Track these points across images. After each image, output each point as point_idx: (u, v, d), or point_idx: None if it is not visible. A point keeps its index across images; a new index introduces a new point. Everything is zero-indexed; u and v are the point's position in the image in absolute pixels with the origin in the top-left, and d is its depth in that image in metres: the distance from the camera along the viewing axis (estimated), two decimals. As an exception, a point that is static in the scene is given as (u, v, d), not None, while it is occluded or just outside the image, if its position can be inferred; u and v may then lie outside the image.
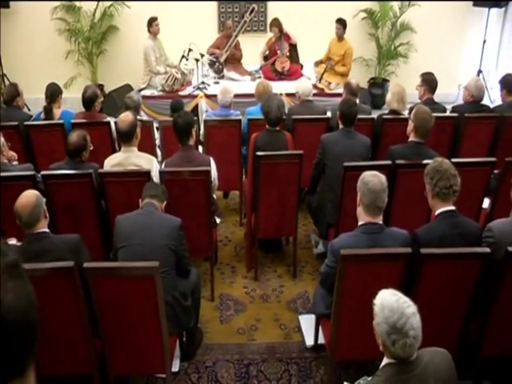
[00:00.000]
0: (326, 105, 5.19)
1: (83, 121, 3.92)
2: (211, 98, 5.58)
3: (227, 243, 4.01)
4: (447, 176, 2.39)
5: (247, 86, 5.61)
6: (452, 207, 2.43)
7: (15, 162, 3.33)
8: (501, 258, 2.25)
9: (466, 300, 2.35)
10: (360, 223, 2.41)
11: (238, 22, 6.28)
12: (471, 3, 6.44)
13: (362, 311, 1.96)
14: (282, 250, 3.92)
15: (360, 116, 3.53)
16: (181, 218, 2.59)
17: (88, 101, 4.01)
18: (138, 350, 2.38)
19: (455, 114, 4.03)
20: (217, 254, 3.72)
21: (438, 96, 4.26)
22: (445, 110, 4.20)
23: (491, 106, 4.54)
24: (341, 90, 4.76)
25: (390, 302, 1.57)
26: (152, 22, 5.87)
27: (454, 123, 3.97)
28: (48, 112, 4.01)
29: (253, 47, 6.29)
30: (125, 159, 3.17)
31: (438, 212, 2.44)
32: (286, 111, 4.21)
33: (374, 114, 4.17)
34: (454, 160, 2.64)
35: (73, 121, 3.91)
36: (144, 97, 5.44)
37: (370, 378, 1.68)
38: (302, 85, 4.33)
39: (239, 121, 4.03)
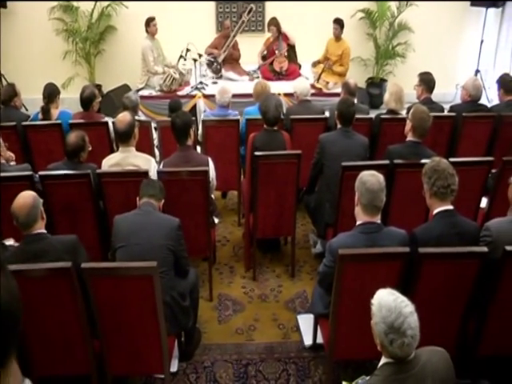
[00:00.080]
0: (324, 104, 5.20)
1: (81, 121, 3.92)
2: (209, 98, 5.58)
3: (225, 243, 4.01)
4: (445, 175, 2.39)
5: (245, 85, 5.61)
6: (450, 206, 2.43)
7: (13, 163, 3.33)
8: (498, 258, 2.26)
9: (463, 299, 2.35)
10: (358, 223, 2.41)
11: (236, 22, 6.29)
12: (469, 3, 6.46)
13: (360, 311, 1.96)
14: (281, 250, 3.92)
15: (358, 116, 3.53)
16: (179, 218, 2.59)
17: (86, 101, 4.00)
18: (136, 351, 2.38)
19: (453, 114, 4.04)
20: (215, 254, 3.72)
21: (436, 95, 4.27)
22: (442, 110, 4.21)
23: (489, 105, 4.54)
24: (339, 90, 4.75)
25: (387, 301, 1.57)
26: (150, 21, 5.87)
27: (452, 123, 3.98)
28: (46, 112, 4.01)
29: (251, 47, 6.29)
30: (123, 159, 3.17)
31: (435, 211, 2.44)
32: (284, 111, 4.22)
33: (372, 114, 4.18)
34: (451, 159, 2.65)
35: (70, 121, 3.91)
36: (142, 97, 5.43)
37: (368, 378, 1.68)
38: (300, 85, 4.33)
39: (237, 121, 4.03)
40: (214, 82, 5.98)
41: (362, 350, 2.25)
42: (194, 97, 5.74)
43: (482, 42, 6.50)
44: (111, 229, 2.60)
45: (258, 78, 6.03)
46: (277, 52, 6.13)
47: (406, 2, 6.43)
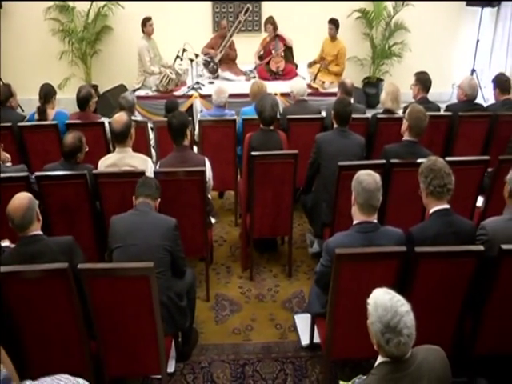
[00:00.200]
0: (321, 104, 5.21)
1: (77, 121, 3.91)
2: (206, 98, 5.58)
3: (222, 243, 4.01)
4: (441, 175, 2.40)
5: (242, 85, 5.61)
6: (446, 206, 2.43)
7: (9, 164, 3.31)
8: (494, 256, 2.27)
9: (460, 298, 2.36)
10: (355, 222, 2.41)
11: (232, 22, 6.29)
12: (464, 3, 6.48)
13: (357, 310, 1.96)
14: (278, 250, 3.92)
15: (354, 115, 3.54)
16: (176, 218, 2.59)
17: (82, 101, 3.99)
18: (133, 351, 2.37)
19: (449, 113, 4.05)
20: (212, 254, 3.72)
21: (432, 95, 4.28)
22: (439, 109, 4.22)
23: (485, 104, 4.56)
24: (335, 90, 4.76)
25: (383, 300, 1.57)
26: (146, 22, 5.86)
27: (448, 122, 3.99)
28: (42, 113, 3.99)
29: (247, 47, 6.29)
30: (119, 160, 3.16)
31: (432, 210, 2.45)
32: (281, 111, 4.22)
33: (369, 114, 4.18)
34: (447, 159, 2.65)
35: (67, 121, 3.90)
36: (138, 97, 5.42)
37: (365, 377, 1.68)
38: (297, 84, 4.34)
39: (234, 121, 4.03)
40: (211, 82, 5.98)
41: (359, 349, 2.25)
42: (190, 97, 5.74)
43: (477, 41, 6.52)
44: (108, 229, 2.59)
45: (254, 77, 6.03)
46: (273, 52, 6.14)
47: (402, 2, 6.44)
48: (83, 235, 2.97)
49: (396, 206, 3.14)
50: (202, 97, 5.70)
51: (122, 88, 6.25)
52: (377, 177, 2.38)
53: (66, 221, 3.05)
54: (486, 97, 6.17)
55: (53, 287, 2.19)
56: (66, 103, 5.37)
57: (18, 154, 3.77)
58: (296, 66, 6.31)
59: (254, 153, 3.26)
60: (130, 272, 2.21)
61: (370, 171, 2.41)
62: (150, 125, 4.18)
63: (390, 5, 6.54)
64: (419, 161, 2.76)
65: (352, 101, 3.98)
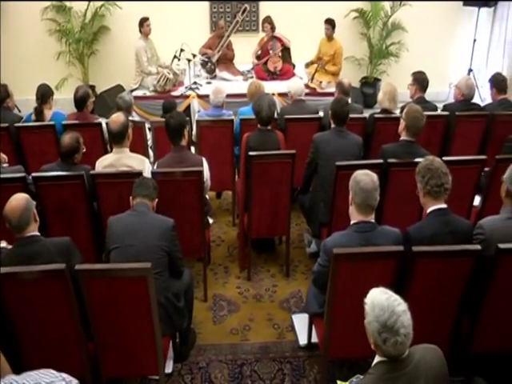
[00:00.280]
0: (318, 104, 5.21)
1: (74, 122, 3.90)
2: (203, 98, 5.58)
3: (220, 243, 4.01)
4: (438, 174, 2.40)
5: (239, 85, 5.61)
6: (443, 205, 2.44)
7: (5, 165, 3.30)
8: (491, 255, 2.27)
9: (457, 297, 2.37)
10: (352, 222, 2.42)
11: (230, 22, 6.28)
12: (461, 3, 6.49)
13: (354, 309, 1.96)
14: (275, 250, 3.92)
15: (352, 115, 3.54)
16: (173, 218, 2.58)
17: (80, 100, 3.98)
18: (130, 352, 2.37)
19: (446, 113, 4.06)
20: (210, 254, 3.72)
21: (429, 95, 4.29)
22: (436, 109, 4.23)
23: (481, 104, 4.57)
24: (332, 89, 4.77)
25: (380, 300, 1.57)
26: (143, 22, 5.85)
27: (445, 122, 4.00)
28: (39, 113, 3.99)
29: (245, 47, 6.29)
30: (116, 160, 3.16)
31: (429, 210, 2.45)
32: (278, 111, 4.22)
33: (366, 113, 4.19)
34: (445, 158, 2.66)
35: (64, 122, 3.89)
36: (136, 97, 5.42)
37: (362, 377, 1.68)
38: (295, 84, 4.34)
39: (231, 121, 4.03)
40: (208, 82, 5.98)
41: (357, 348, 2.25)
42: (188, 97, 5.73)
43: (474, 41, 6.53)
44: (105, 230, 2.59)
45: (252, 77, 6.03)
46: (271, 52, 6.14)
47: (399, 2, 6.45)
48: (80, 236, 2.97)
49: (393, 206, 3.14)
50: (200, 97, 5.70)
51: (119, 88, 6.24)
52: (374, 176, 2.38)
53: (64, 221, 3.04)
54: (483, 96, 6.19)
55: (50, 288, 2.19)
56: (63, 104, 5.36)
57: (14, 155, 3.76)
58: (293, 66, 6.31)
59: (251, 153, 3.26)
60: (127, 273, 2.21)
61: (367, 171, 2.41)
62: (147, 125, 4.17)
63: (387, 5, 6.55)
64: (416, 160, 2.77)
65: (349, 101, 3.98)
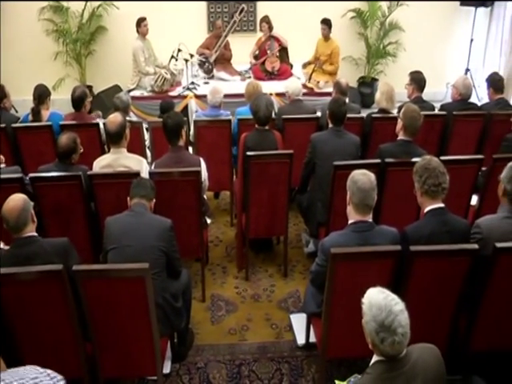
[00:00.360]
0: (316, 104, 5.22)
1: (72, 122, 3.90)
2: (201, 98, 5.57)
3: (218, 243, 4.01)
4: (436, 174, 2.41)
5: (237, 86, 5.61)
6: (441, 204, 2.44)
7: (2, 165, 3.30)
8: (489, 254, 2.28)
9: (455, 296, 2.37)
10: (350, 222, 2.42)
11: (227, 22, 6.28)
12: (458, 3, 6.51)
13: (352, 309, 1.96)
14: (273, 250, 3.93)
15: (349, 115, 3.54)
16: (171, 218, 2.58)
17: (78, 100, 3.98)
18: (128, 353, 2.37)
19: (443, 112, 4.07)
20: (208, 254, 3.72)
21: (427, 94, 4.30)
22: (433, 109, 4.23)
23: (479, 103, 4.58)
24: (330, 89, 4.77)
25: (377, 300, 1.57)
26: (141, 22, 5.85)
27: (443, 121, 4.01)
28: (36, 114, 3.98)
29: (242, 47, 6.29)
30: (114, 161, 3.15)
31: (427, 209, 2.46)
32: (276, 111, 4.22)
33: (364, 113, 4.19)
34: (442, 158, 2.66)
35: (61, 122, 3.88)
36: (133, 97, 5.40)
37: (360, 376, 1.68)
38: (292, 84, 4.34)
39: (229, 121, 4.02)
40: (206, 83, 5.98)
41: (355, 348, 2.25)
42: (185, 97, 5.73)
43: (471, 40, 6.55)
44: (103, 230, 2.58)
45: (249, 77, 6.03)
46: (269, 52, 6.14)
47: (396, 2, 6.46)
48: (78, 236, 2.96)
49: (391, 206, 3.15)
50: (197, 97, 5.70)
51: (116, 88, 6.23)
52: (372, 176, 2.38)
53: (61, 222, 3.04)
54: (480, 96, 6.20)
55: (48, 289, 2.18)
56: (60, 104, 5.35)
57: (11, 156, 3.75)
58: (291, 66, 6.31)
59: (249, 153, 3.26)
60: (125, 273, 2.21)
61: (364, 171, 2.42)
62: (144, 125, 4.17)
63: (384, 5, 6.56)
64: (414, 160, 2.77)
65: (347, 100, 3.99)
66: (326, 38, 6.04)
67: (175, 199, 3.05)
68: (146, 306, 2.23)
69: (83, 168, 3.09)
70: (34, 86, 4.14)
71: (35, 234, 2.37)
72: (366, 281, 1.85)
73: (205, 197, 3.54)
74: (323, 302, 2.40)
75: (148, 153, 4.07)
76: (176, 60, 5.81)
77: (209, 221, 3.61)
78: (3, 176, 3.00)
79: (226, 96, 4.34)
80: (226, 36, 6.06)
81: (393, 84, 4.01)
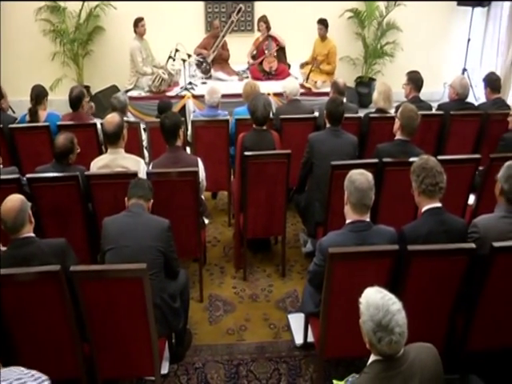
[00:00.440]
0: (314, 104, 5.22)
1: (69, 123, 3.89)
2: (199, 98, 5.57)
3: (216, 244, 4.01)
4: (433, 173, 2.41)
5: (235, 86, 5.61)
6: (438, 204, 2.45)
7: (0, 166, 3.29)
8: (486, 254, 2.28)
9: (452, 295, 2.38)
10: (348, 221, 2.42)
11: (225, 22, 6.28)
12: (455, 3, 6.53)
13: (350, 309, 1.97)
14: (271, 250, 3.93)
15: (347, 115, 3.55)
16: (169, 219, 2.58)
17: (75, 100, 3.97)
18: (126, 353, 2.36)
19: (441, 112, 4.08)
20: (205, 254, 3.72)
21: (424, 94, 4.31)
22: (430, 108, 4.24)
23: (476, 103, 4.59)
24: (327, 89, 4.78)
25: (375, 299, 1.58)
26: (138, 22, 5.84)
27: (440, 121, 4.01)
28: (33, 114, 3.97)
29: (240, 47, 6.29)
30: (111, 161, 3.15)
31: (424, 209, 2.46)
32: (274, 111, 4.22)
33: (361, 113, 4.20)
34: (439, 157, 2.67)
35: (58, 123, 3.88)
36: (131, 98, 5.41)
37: (358, 376, 1.69)
38: (290, 84, 4.35)
39: (227, 121, 4.02)
40: (204, 83, 5.97)
41: (353, 348, 2.26)
42: (183, 97, 5.73)
43: (468, 40, 6.56)
44: (100, 231, 2.58)
45: (247, 77, 6.03)
46: (266, 52, 6.14)
47: (394, 2, 6.48)
48: (75, 237, 2.96)
49: (388, 205, 3.15)
50: (195, 97, 5.69)
51: (114, 89, 6.23)
52: (369, 176, 2.39)
53: (58, 223, 3.03)
54: (477, 96, 6.22)
55: (45, 290, 2.18)
56: (57, 104, 5.34)
57: (9, 156, 3.74)
58: (289, 66, 6.32)
59: (246, 153, 3.26)
60: (122, 274, 2.20)
61: (362, 170, 2.42)
62: (142, 125, 4.16)
63: (381, 4, 6.57)
64: (411, 160, 2.77)
65: (344, 100, 4.00)
66: (323, 37, 6.05)
67: (173, 199, 3.05)
68: (143, 306, 2.23)
69: (80, 168, 3.09)
70: (32, 87, 4.13)
71: (33, 234, 2.37)
72: (364, 280, 1.86)
73: (202, 197, 3.54)
74: (321, 301, 2.40)
75: (146, 153, 4.06)
76: (174, 60, 5.81)
77: (206, 221, 3.61)
78: (0, 177, 2.99)
79: (223, 96, 4.34)
80: (223, 36, 6.06)
81: (390, 84, 4.02)
